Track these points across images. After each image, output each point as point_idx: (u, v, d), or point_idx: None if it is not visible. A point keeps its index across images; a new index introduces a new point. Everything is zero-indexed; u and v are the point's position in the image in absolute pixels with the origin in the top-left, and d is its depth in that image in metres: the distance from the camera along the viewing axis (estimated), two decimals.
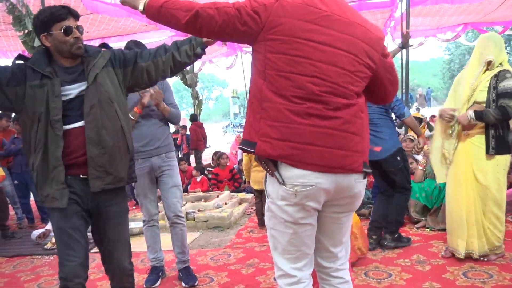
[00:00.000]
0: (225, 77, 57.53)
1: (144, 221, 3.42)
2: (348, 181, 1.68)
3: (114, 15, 6.98)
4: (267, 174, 1.72)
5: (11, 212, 5.89)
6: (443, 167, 3.44)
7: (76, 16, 2.09)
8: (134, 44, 3.20)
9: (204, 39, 2.28)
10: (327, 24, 1.63)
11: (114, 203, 2.24)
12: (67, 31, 2.02)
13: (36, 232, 4.89)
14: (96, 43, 8.53)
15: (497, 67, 3.15)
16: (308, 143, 1.60)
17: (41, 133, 2.03)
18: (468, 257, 3.30)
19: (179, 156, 10.37)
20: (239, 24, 1.64)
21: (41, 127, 2.03)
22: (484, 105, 3.13)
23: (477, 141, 3.19)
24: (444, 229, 4.12)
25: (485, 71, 3.16)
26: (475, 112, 3.09)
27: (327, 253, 1.86)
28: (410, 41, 12.58)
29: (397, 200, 3.82)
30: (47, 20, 2.02)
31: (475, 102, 3.17)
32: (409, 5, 6.38)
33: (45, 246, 4.64)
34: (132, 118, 2.95)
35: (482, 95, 3.14)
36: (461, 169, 3.26)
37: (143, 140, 3.15)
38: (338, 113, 1.63)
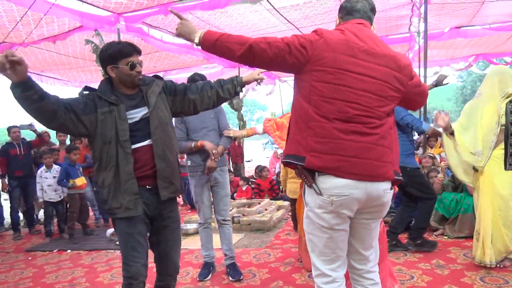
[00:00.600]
0: (265, 102, 58.13)
1: (200, 223, 3.43)
2: (377, 191, 1.68)
3: (175, 52, 7.23)
4: (306, 186, 1.72)
5: (90, 213, 6.11)
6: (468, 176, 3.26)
7: (139, 52, 2.10)
8: (199, 76, 3.34)
9: (244, 79, 2.32)
10: (363, 57, 1.67)
11: (173, 210, 2.25)
12: (133, 66, 2.03)
13: (110, 230, 5.03)
14: (160, 75, 8.83)
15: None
16: (353, 156, 1.63)
17: (112, 153, 2.01)
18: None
19: None
20: (288, 57, 1.66)
21: (112, 148, 2.00)
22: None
23: (499, 158, 3.04)
24: (460, 237, 3.93)
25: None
26: None
27: (358, 256, 1.83)
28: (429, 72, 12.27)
29: (419, 209, 3.69)
30: (115, 54, 2.02)
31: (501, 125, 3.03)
32: (426, 41, 6.21)
33: (117, 242, 4.75)
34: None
35: (502, 119, 3.00)
36: (486, 186, 3.08)
37: (204, 155, 3.22)
38: (374, 131, 1.67)
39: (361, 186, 1.64)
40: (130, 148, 2.03)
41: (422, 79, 8.05)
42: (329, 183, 1.64)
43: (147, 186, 2.09)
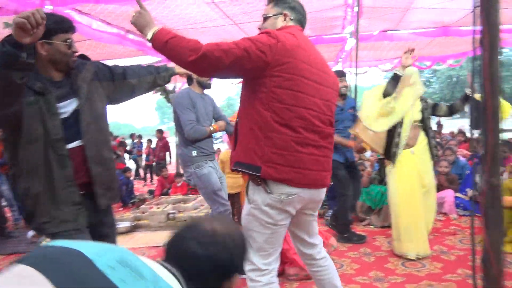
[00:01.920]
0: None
1: (220, 211, 3.19)
2: (319, 194, 1.85)
3: (107, 41, 6.87)
4: (252, 184, 1.74)
5: (8, 214, 5.62)
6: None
7: (74, 31, 1.79)
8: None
9: (177, 70, 2.23)
10: (313, 64, 1.72)
11: (112, 214, 2.03)
12: (71, 44, 1.72)
13: (31, 233, 4.68)
14: None
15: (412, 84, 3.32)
16: (306, 168, 1.70)
17: (38, 155, 1.66)
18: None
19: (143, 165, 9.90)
20: (247, 64, 1.58)
21: (38, 148, 1.66)
22: (418, 123, 3.32)
23: (421, 152, 3.32)
24: (385, 226, 4.24)
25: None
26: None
27: (306, 244, 2.00)
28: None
29: (337, 206, 3.99)
30: (51, 28, 1.62)
31: (414, 121, 3.32)
32: (357, 43, 6.60)
33: (41, 244, 4.44)
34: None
35: (418, 116, 3.30)
36: (412, 179, 3.30)
37: (210, 144, 3.27)
38: (325, 142, 1.77)
39: (309, 191, 1.76)
40: (65, 149, 1.71)
41: (353, 78, 8.46)
42: (281, 186, 1.69)
43: (83, 193, 1.79)
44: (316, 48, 1.85)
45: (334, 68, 12.31)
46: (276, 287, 1.83)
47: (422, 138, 3.33)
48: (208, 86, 3.30)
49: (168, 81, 2.24)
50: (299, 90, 1.65)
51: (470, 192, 4.52)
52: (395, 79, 3.21)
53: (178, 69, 2.26)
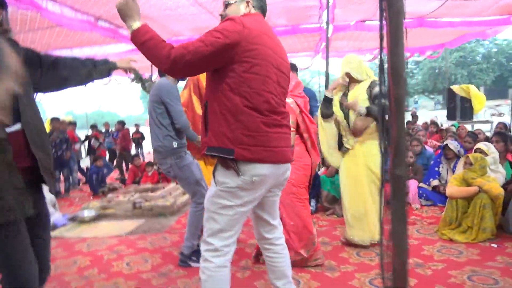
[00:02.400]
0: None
1: (199, 204, 3.07)
2: (286, 170, 1.94)
3: (77, 29, 6.69)
4: (221, 167, 1.78)
5: None
6: (335, 154, 3.51)
7: (5, 9, 1.71)
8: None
9: (118, 64, 2.22)
10: (275, 51, 1.81)
11: (45, 204, 1.94)
12: (1, 21, 1.63)
13: None
14: (60, 52, 8.15)
15: (365, 80, 3.29)
16: (275, 146, 1.79)
17: None
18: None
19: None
20: (217, 57, 1.66)
21: None
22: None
23: (369, 143, 3.30)
24: None
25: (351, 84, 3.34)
26: (366, 108, 3.17)
27: (269, 227, 2.06)
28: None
29: None
30: None
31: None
32: (327, 32, 6.58)
33: None
34: None
35: (364, 104, 3.21)
36: (359, 168, 3.31)
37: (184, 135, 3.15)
38: (285, 121, 1.89)
39: (277, 167, 1.84)
40: (5, 132, 1.61)
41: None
42: (252, 167, 1.75)
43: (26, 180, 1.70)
44: (276, 36, 1.93)
45: (316, 58, 12.26)
46: (227, 272, 1.86)
47: (372, 129, 3.30)
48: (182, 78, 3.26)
49: (108, 75, 2.22)
50: (266, 75, 1.74)
51: (433, 182, 4.57)
52: (327, 101, 3.40)
53: (120, 64, 2.24)
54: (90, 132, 9.55)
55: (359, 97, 3.22)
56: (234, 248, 1.90)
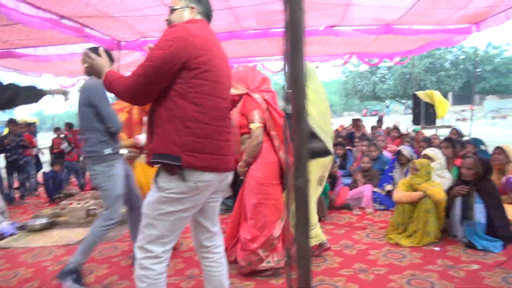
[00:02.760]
0: None
1: (109, 219, 2.80)
2: (229, 175, 1.95)
3: (37, 27, 6.47)
4: (165, 173, 1.74)
5: None
6: None
7: None
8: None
9: (51, 92, 2.34)
10: (222, 58, 1.85)
11: None
12: None
13: None
14: (28, 51, 7.89)
15: None
16: (222, 154, 1.81)
17: None
18: None
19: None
20: (169, 68, 1.67)
21: None
22: None
23: None
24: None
25: None
26: None
27: (208, 234, 2.03)
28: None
29: None
30: None
31: None
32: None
33: None
34: None
35: None
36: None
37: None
38: (231, 129, 1.93)
39: (221, 175, 1.86)
40: None
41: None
42: (198, 174, 1.74)
43: None
44: (220, 43, 1.93)
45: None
46: (165, 277, 1.87)
47: None
48: None
49: (36, 101, 2.32)
50: (215, 81, 1.76)
51: (386, 186, 4.65)
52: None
53: (53, 90, 2.38)
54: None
55: None
56: (170, 253, 1.89)
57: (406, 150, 4.56)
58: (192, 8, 1.87)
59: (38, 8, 6.04)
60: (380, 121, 9.88)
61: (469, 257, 3.10)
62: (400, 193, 3.54)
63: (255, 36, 9.21)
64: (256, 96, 2.84)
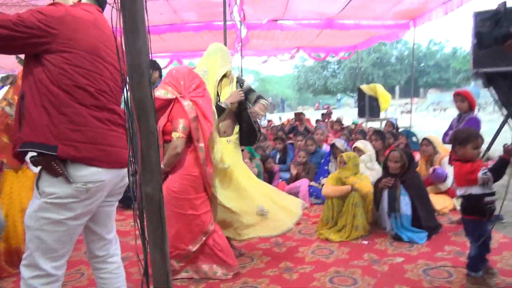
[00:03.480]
0: None
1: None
2: (124, 174, 1.74)
3: None
4: (46, 175, 1.50)
5: None
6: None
7: None
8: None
9: None
10: (108, 45, 1.64)
11: None
12: None
13: None
14: None
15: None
16: (109, 144, 1.60)
17: None
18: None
19: None
20: (32, 40, 1.45)
21: None
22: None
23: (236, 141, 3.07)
24: None
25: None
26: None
27: (102, 242, 1.82)
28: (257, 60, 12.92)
29: None
30: None
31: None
32: (241, 30, 6.42)
33: None
34: None
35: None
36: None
37: None
38: (121, 120, 1.69)
39: (113, 172, 1.65)
40: None
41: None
42: (84, 171, 1.54)
43: None
44: (111, 30, 1.68)
45: (235, 57, 12.15)
46: None
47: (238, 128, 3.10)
48: None
49: None
50: (93, 70, 1.57)
51: (322, 180, 4.59)
52: (220, 110, 2.94)
53: None
54: None
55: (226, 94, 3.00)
56: (64, 270, 1.65)
57: (339, 143, 4.51)
58: None
59: None
60: (326, 114, 9.95)
61: (395, 250, 3.08)
62: (328, 188, 3.46)
63: (198, 29, 8.94)
64: (186, 103, 2.55)
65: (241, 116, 3.02)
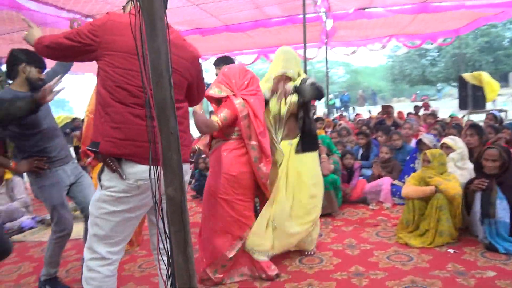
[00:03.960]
0: None
1: (56, 232, 2.68)
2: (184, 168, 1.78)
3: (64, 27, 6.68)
4: (106, 170, 1.67)
5: None
6: None
7: None
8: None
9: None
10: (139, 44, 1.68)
11: None
12: None
13: None
14: None
15: (296, 79, 2.95)
16: (147, 141, 1.59)
17: None
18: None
19: None
20: (80, 48, 1.66)
21: None
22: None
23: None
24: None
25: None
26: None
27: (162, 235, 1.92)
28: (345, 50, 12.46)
29: None
30: None
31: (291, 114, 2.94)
32: (305, 22, 6.28)
33: None
34: None
35: (284, 107, 2.90)
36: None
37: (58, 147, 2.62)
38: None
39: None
40: None
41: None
42: (135, 168, 1.64)
43: None
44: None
45: (322, 50, 11.85)
46: (114, 281, 1.78)
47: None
48: (36, 86, 2.49)
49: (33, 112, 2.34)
50: (129, 68, 1.63)
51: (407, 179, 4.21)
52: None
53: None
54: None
55: (292, 98, 2.88)
56: (121, 255, 1.80)
57: (427, 138, 4.07)
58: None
59: (62, 9, 6.21)
60: (419, 107, 9.16)
61: (487, 262, 2.67)
62: (409, 188, 3.15)
63: (283, 23, 8.88)
64: (237, 101, 2.54)
65: (303, 123, 2.92)
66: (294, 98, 2.84)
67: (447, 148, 3.44)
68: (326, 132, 6.69)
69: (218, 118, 2.50)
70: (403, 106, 16.88)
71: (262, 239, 2.66)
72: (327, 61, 11.10)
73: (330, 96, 21.13)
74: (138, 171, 1.64)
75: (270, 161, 2.57)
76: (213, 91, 2.62)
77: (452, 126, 4.62)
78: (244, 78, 2.66)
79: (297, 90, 2.83)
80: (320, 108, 18.01)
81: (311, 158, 2.93)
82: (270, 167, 2.59)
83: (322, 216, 3.64)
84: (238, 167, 2.55)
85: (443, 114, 9.61)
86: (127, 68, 1.62)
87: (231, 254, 2.58)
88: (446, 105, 19.10)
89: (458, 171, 3.30)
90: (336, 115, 15.97)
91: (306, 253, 3.02)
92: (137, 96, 1.63)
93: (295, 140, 2.92)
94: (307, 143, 2.91)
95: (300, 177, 2.84)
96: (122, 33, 1.62)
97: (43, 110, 2.45)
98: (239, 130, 2.56)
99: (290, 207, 2.80)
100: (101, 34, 1.63)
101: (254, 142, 2.55)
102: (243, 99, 2.57)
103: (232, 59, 3.48)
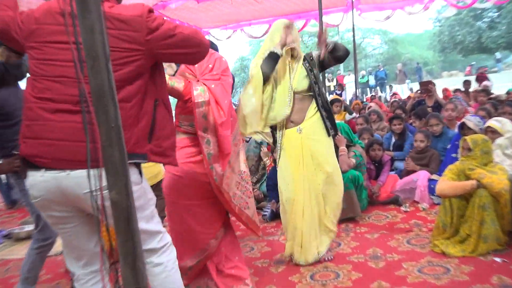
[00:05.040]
0: None
1: (40, 240, 2.84)
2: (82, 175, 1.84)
3: None
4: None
5: None
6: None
7: None
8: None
9: None
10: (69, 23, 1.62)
11: None
12: None
13: None
14: None
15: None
16: (59, 138, 1.64)
17: None
18: None
19: None
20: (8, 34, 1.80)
21: None
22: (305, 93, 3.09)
23: (312, 130, 3.07)
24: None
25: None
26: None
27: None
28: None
29: None
30: None
31: (295, 92, 3.07)
32: None
33: None
34: None
35: (303, 84, 3.05)
36: (294, 168, 3.09)
37: None
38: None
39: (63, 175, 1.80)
40: None
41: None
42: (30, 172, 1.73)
43: None
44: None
45: (349, 15, 11.75)
46: None
47: (312, 112, 3.05)
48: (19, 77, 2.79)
49: None
50: (45, 58, 1.70)
51: None
52: (273, 58, 2.97)
53: None
54: None
55: (300, 74, 3.07)
56: (92, 269, 1.92)
57: (472, 121, 4.00)
58: None
59: None
60: (468, 82, 9.01)
61: None
62: (444, 184, 3.12)
63: None
64: (197, 89, 2.52)
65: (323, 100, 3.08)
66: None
67: (493, 133, 3.41)
68: (350, 119, 6.67)
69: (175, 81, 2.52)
70: (455, 81, 16.53)
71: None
72: (354, 28, 11.02)
73: (362, 72, 20.91)
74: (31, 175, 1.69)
75: (228, 160, 2.56)
76: (172, 82, 2.54)
77: (506, 104, 4.52)
78: (208, 60, 2.65)
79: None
80: (350, 88, 17.82)
81: (326, 144, 3.10)
82: (227, 168, 2.55)
83: (341, 221, 3.70)
84: (189, 166, 2.57)
85: (503, 90, 9.40)
86: (41, 59, 1.71)
87: (192, 262, 2.71)
88: (509, 78, 18.65)
89: (507, 160, 3.27)
90: (368, 95, 15.84)
91: (320, 258, 3.15)
92: (51, 89, 1.67)
93: (306, 124, 3.04)
94: (335, 125, 3.11)
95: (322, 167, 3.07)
96: (37, 21, 1.73)
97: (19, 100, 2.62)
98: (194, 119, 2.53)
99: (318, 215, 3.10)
100: (25, 25, 1.76)
101: (209, 135, 2.52)
102: (204, 84, 2.56)
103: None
